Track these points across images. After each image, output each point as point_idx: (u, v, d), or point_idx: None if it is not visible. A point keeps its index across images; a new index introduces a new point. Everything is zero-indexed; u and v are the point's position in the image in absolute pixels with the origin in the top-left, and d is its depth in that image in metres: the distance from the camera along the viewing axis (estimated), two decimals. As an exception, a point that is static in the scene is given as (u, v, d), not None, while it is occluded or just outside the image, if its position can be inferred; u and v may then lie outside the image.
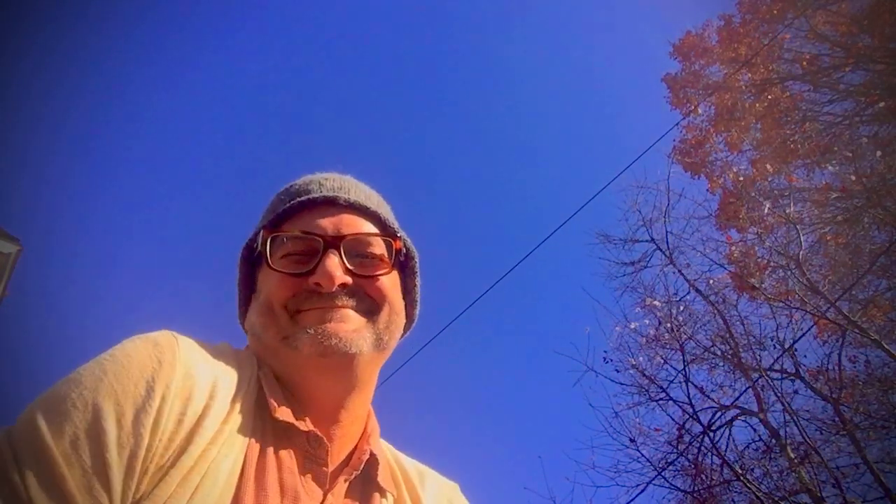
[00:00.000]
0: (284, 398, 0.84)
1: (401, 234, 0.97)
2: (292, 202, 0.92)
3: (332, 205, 0.93)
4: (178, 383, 0.72)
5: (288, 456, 0.79)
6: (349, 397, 0.88)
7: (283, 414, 0.80)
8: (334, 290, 0.86)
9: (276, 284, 0.87)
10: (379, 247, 0.92)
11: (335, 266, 0.86)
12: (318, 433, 0.82)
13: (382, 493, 0.90)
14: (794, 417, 7.67)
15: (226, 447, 0.73)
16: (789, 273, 8.87)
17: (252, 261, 0.96)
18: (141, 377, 0.71)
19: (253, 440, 0.77)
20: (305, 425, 0.82)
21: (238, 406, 0.77)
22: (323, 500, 0.80)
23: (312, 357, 0.83)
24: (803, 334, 8.07)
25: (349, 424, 0.89)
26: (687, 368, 8.43)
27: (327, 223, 0.90)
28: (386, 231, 0.95)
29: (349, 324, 0.86)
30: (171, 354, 0.74)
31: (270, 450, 0.78)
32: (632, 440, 8.35)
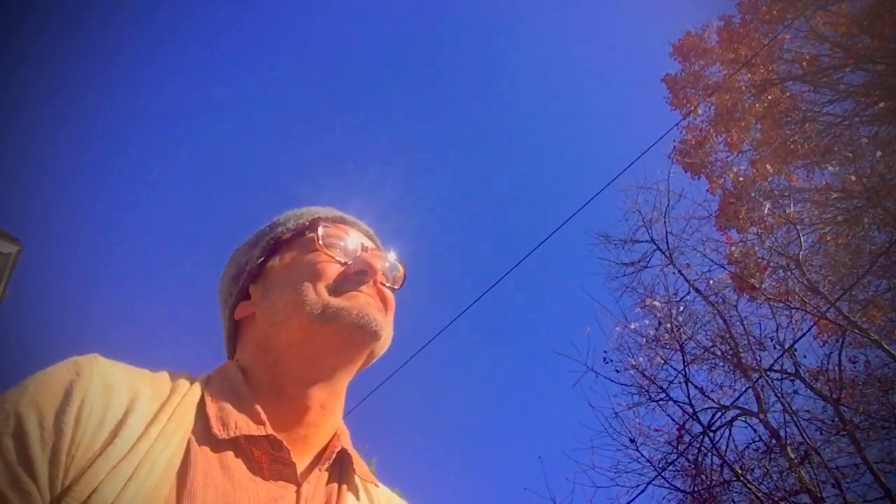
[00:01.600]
0: (245, 405, 0.86)
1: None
2: (336, 217, 1.06)
3: (354, 226, 1.07)
4: (95, 390, 0.75)
5: (241, 456, 0.81)
6: (338, 385, 0.94)
7: (228, 430, 0.82)
8: (376, 279, 0.97)
9: (324, 264, 0.96)
10: (398, 270, 1.07)
11: (380, 259, 1.00)
12: (277, 437, 0.84)
13: (363, 483, 0.94)
14: (794, 418, 7.68)
15: (161, 441, 0.75)
16: (789, 273, 8.88)
17: (269, 251, 1.02)
18: (60, 387, 0.74)
19: (193, 438, 0.78)
20: (264, 430, 0.84)
21: (169, 412, 0.79)
22: (299, 489, 0.83)
23: (350, 327, 0.91)
24: (803, 334, 8.08)
25: (325, 419, 0.92)
26: (687, 369, 8.44)
27: (364, 237, 1.06)
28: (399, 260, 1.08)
29: (381, 313, 0.96)
30: (88, 368, 0.77)
31: (221, 450, 0.80)
32: (632, 440, 8.36)
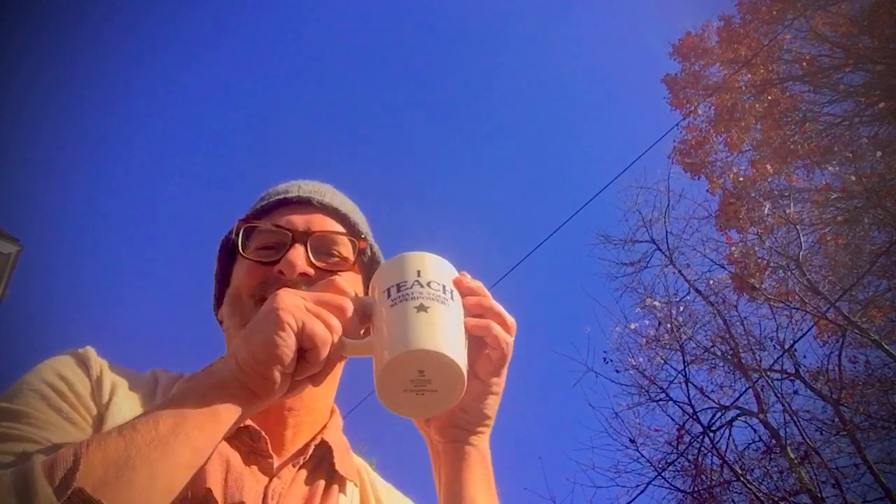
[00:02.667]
0: None
1: (366, 235, 1.03)
2: (270, 200, 1.00)
3: (306, 205, 0.99)
4: (99, 372, 0.83)
5: (225, 447, 0.82)
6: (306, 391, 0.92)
7: None
8: (295, 277, 0.90)
9: (245, 271, 0.94)
10: (344, 247, 0.97)
11: (299, 256, 0.91)
12: (256, 427, 0.85)
13: (342, 481, 0.91)
14: (794, 418, 7.69)
15: None
16: (789, 273, 8.88)
17: (229, 254, 1.01)
18: (69, 360, 0.83)
19: None
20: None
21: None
22: (268, 485, 0.83)
23: None
24: (803, 335, 8.09)
25: (305, 414, 0.92)
26: (687, 369, 8.45)
27: (299, 220, 0.96)
28: (352, 232, 1.00)
29: None
30: (86, 354, 0.85)
31: None
32: (632, 441, 8.37)
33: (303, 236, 0.93)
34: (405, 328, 0.71)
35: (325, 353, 0.69)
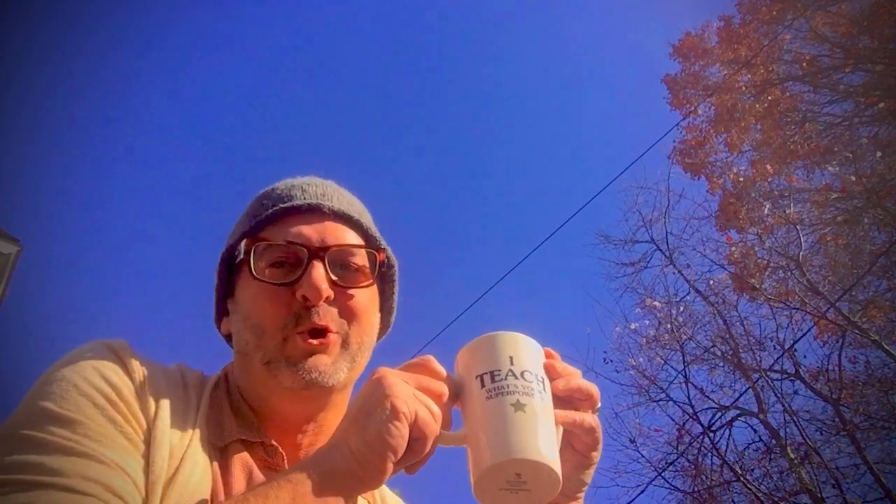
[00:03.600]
0: (242, 412, 0.88)
1: (383, 245, 0.98)
2: (274, 208, 0.92)
3: (315, 212, 0.92)
4: (138, 372, 0.79)
5: (243, 463, 0.82)
6: (321, 414, 0.91)
7: (232, 434, 0.84)
8: (320, 304, 0.86)
9: (266, 298, 0.87)
10: (362, 258, 0.93)
11: (322, 278, 0.86)
12: (273, 443, 0.85)
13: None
14: (794, 418, 7.69)
15: (195, 441, 0.78)
16: (789, 274, 8.89)
17: (231, 264, 0.95)
18: (111, 361, 0.79)
19: (210, 450, 0.80)
20: (260, 436, 0.85)
21: (192, 414, 0.82)
22: None
23: (292, 390, 0.85)
24: (803, 335, 8.10)
25: (316, 434, 0.91)
26: (687, 369, 8.46)
27: (311, 232, 0.90)
28: (369, 242, 0.95)
29: (329, 355, 0.86)
30: (123, 350, 0.81)
31: (232, 458, 0.82)
32: (632, 441, 8.38)
33: (319, 252, 0.87)
34: (504, 431, 0.70)
35: (430, 444, 0.69)
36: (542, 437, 0.71)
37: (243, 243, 0.90)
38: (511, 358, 0.76)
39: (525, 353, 0.78)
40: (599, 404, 0.80)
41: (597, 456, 0.81)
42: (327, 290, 0.86)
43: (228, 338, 0.97)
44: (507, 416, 0.71)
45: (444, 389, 0.72)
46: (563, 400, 0.77)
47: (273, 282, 0.87)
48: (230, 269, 0.95)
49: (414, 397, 0.68)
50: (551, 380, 0.77)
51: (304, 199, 0.93)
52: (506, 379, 0.74)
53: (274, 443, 0.85)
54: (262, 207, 0.94)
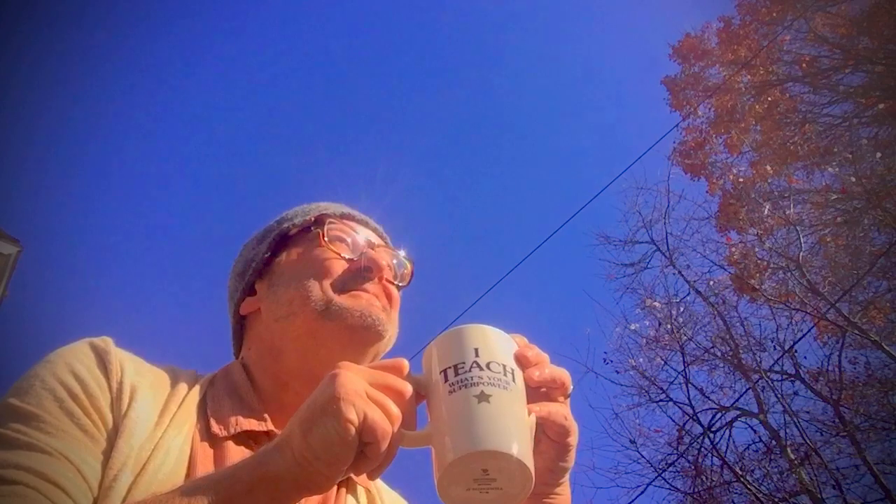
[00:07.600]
0: (248, 403, 0.88)
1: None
2: (344, 213, 1.05)
3: (364, 224, 1.08)
4: (118, 366, 0.80)
5: (244, 454, 0.81)
6: None
7: (236, 425, 0.84)
8: (381, 276, 0.97)
9: (330, 260, 0.96)
10: (406, 268, 1.07)
11: (385, 256, 1.00)
12: (277, 432, 0.84)
13: (353, 485, 0.91)
14: (795, 418, 7.69)
15: (172, 430, 0.77)
16: (789, 274, 8.89)
17: (281, 243, 1.02)
18: (87, 357, 0.80)
19: (197, 435, 0.80)
20: (265, 426, 0.85)
21: (174, 407, 0.81)
22: None
23: (353, 326, 0.91)
24: (803, 335, 8.10)
25: None
26: (687, 370, 8.46)
27: (369, 233, 1.06)
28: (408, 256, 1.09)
29: (384, 310, 0.96)
30: (105, 346, 0.82)
31: (222, 447, 0.81)
32: (632, 441, 8.38)
33: (385, 244, 1.05)
34: (467, 424, 0.66)
35: (384, 447, 0.63)
36: (509, 428, 0.66)
37: (318, 217, 1.01)
38: (476, 350, 0.71)
39: (492, 344, 0.73)
40: (571, 388, 0.77)
41: (574, 440, 0.77)
42: (389, 270, 0.99)
43: (240, 326, 1.03)
44: (471, 408, 0.66)
45: (407, 387, 0.68)
46: (536, 390, 0.73)
47: (340, 254, 0.98)
48: (273, 252, 1.02)
49: (365, 397, 0.63)
50: (523, 369, 0.73)
51: (351, 212, 1.08)
52: (470, 371, 0.69)
53: (279, 432, 0.85)
54: (303, 214, 1.05)
